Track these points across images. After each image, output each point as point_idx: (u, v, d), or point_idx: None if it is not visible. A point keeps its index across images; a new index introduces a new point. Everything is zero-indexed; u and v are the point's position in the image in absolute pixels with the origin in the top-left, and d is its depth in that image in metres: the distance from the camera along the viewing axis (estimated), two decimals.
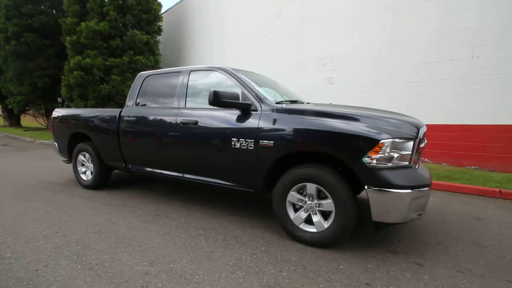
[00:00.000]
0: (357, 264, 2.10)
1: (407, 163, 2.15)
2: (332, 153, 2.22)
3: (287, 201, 2.46)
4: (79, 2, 10.78)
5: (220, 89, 2.58)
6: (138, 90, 3.53)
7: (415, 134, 2.18)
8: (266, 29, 9.23)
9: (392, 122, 2.22)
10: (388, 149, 2.07)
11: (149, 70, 11.60)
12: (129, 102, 3.58)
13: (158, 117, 3.21)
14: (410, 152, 2.14)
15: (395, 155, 2.09)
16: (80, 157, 4.18)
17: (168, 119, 3.11)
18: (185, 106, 3.07)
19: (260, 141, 2.48)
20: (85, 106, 10.45)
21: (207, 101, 3.05)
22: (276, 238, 2.54)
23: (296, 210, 2.48)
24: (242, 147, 2.58)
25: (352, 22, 7.18)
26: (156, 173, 3.36)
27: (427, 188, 2.17)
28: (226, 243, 2.41)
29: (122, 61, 10.36)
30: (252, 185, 2.66)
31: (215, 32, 11.28)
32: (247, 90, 2.70)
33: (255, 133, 2.51)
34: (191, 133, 2.92)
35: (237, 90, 2.78)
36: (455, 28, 5.61)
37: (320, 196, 2.34)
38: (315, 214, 2.37)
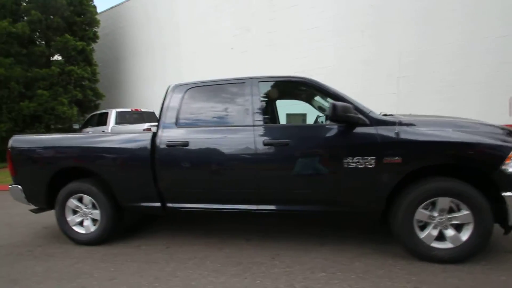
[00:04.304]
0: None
1: None
2: (470, 164, 2.16)
3: (414, 220, 2.26)
4: None
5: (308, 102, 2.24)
6: (179, 107, 2.75)
7: None
8: (233, 43, 8.92)
9: (501, 130, 2.32)
10: None
11: (85, 82, 9.68)
12: (166, 122, 2.74)
13: (225, 138, 2.55)
14: None
15: None
16: (72, 202, 2.97)
17: (242, 139, 2.50)
18: (264, 123, 2.54)
19: (384, 157, 2.23)
20: None
21: (295, 115, 2.65)
22: (404, 263, 2.29)
23: (421, 228, 2.30)
24: (358, 166, 2.27)
25: (324, 39, 7.64)
26: (212, 209, 2.66)
27: None
28: (370, 282, 2.03)
29: (50, 71, 8.25)
30: (368, 207, 2.36)
31: (169, 43, 10.29)
32: (350, 103, 2.40)
33: (376, 150, 2.25)
34: (282, 155, 2.42)
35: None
36: (414, 49, 6.61)
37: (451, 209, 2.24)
38: (447, 229, 2.25)
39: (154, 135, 2.73)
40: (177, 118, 2.73)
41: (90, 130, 8.68)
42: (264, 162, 2.45)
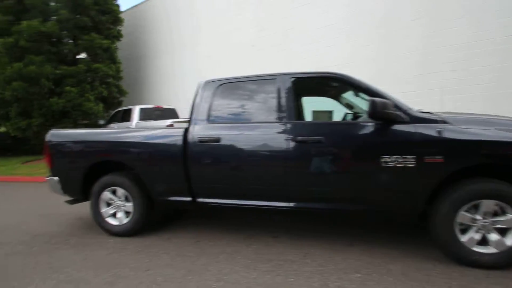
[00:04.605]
0: None
1: None
2: None
3: (455, 223, 2.17)
4: None
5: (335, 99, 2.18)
6: (210, 103, 2.78)
7: None
8: (251, 41, 8.89)
9: None
10: None
11: (110, 79, 9.99)
12: (198, 118, 2.77)
13: (257, 134, 2.55)
14: None
15: None
16: (107, 194, 3.07)
17: (274, 136, 2.49)
18: (296, 119, 2.51)
19: (425, 156, 2.15)
20: (29, 126, 8.23)
21: (321, 112, 2.61)
22: (442, 267, 2.19)
23: (462, 231, 2.21)
24: (397, 165, 2.19)
25: (340, 36, 7.46)
26: (242, 206, 2.67)
27: None
28: (408, 286, 1.97)
29: (78, 69, 8.57)
30: (406, 208, 2.29)
31: (188, 42, 10.41)
32: (387, 99, 2.33)
33: (416, 148, 2.17)
34: (315, 152, 2.38)
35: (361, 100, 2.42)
36: (436, 45, 6.32)
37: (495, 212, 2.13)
38: (490, 233, 2.14)
39: (186, 130, 2.77)
40: (208, 114, 2.75)
41: (115, 125, 8.96)
42: (297, 159, 2.42)
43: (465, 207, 2.13)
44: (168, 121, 7.17)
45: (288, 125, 2.48)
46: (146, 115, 8.52)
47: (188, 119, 2.82)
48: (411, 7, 6.52)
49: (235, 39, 9.22)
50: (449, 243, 2.18)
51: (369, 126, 2.32)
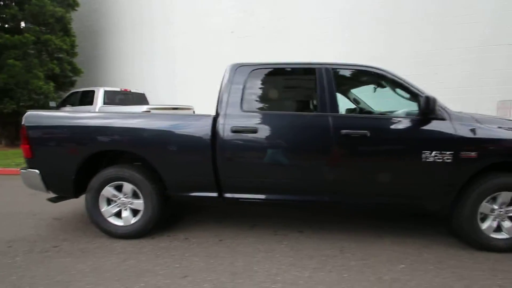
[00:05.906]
0: None
1: None
2: None
3: (478, 213, 2.37)
4: None
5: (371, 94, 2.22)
6: (243, 89, 2.52)
7: None
8: (234, 26, 8.49)
9: None
10: None
11: (63, 54, 8.58)
12: (229, 106, 2.49)
13: (299, 125, 2.41)
14: None
15: None
16: (109, 190, 2.62)
17: (317, 128, 2.38)
18: (339, 112, 2.43)
19: (461, 152, 2.28)
20: None
21: (361, 105, 2.59)
22: (465, 253, 2.39)
23: (481, 220, 2.43)
24: (436, 160, 2.29)
25: (332, 31, 7.60)
26: (277, 200, 2.54)
27: None
28: (450, 272, 2.09)
29: (24, 39, 7.11)
30: (440, 201, 2.41)
31: (160, 19, 9.47)
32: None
33: (454, 144, 2.29)
34: (360, 146, 2.35)
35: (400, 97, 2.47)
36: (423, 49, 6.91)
37: None
38: (504, 220, 2.40)
39: (215, 118, 2.48)
40: (241, 102, 2.50)
41: (69, 109, 7.76)
42: (341, 152, 2.36)
43: (487, 198, 2.35)
44: (144, 107, 6.49)
45: (333, 117, 2.39)
46: (111, 99, 7.56)
47: (216, 107, 2.53)
48: (420, 7, 6.78)
49: (215, 21, 8.68)
50: (472, 231, 2.39)
51: (411, 122, 2.36)
